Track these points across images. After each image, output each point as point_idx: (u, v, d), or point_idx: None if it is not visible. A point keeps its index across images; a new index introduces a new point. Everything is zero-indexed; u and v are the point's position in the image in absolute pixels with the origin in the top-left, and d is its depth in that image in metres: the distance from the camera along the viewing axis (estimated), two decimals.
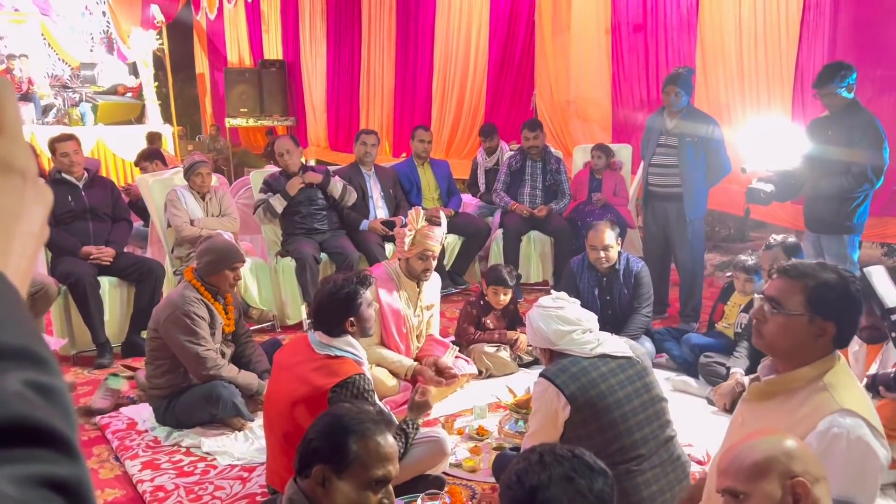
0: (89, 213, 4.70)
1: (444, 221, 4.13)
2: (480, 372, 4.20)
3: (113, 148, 10.67)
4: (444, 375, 3.80)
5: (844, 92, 4.01)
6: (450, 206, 6.05)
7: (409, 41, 9.53)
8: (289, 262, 5.15)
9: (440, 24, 8.95)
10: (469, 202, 6.74)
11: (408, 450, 2.72)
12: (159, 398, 3.54)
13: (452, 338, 4.45)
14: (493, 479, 2.96)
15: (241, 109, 11.95)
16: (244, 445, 3.38)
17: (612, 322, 4.29)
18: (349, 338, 2.80)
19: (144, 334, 4.39)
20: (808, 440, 1.65)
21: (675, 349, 4.29)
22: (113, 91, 12.04)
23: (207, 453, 3.32)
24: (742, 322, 4.04)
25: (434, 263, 3.97)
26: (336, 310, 2.78)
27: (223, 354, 3.60)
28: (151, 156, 6.65)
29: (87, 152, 9.13)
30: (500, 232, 5.92)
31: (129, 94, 12.06)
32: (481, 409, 3.63)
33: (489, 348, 4.26)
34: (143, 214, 5.98)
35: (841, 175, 4.03)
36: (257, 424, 3.48)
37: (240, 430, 3.49)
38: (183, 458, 3.31)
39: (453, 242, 5.93)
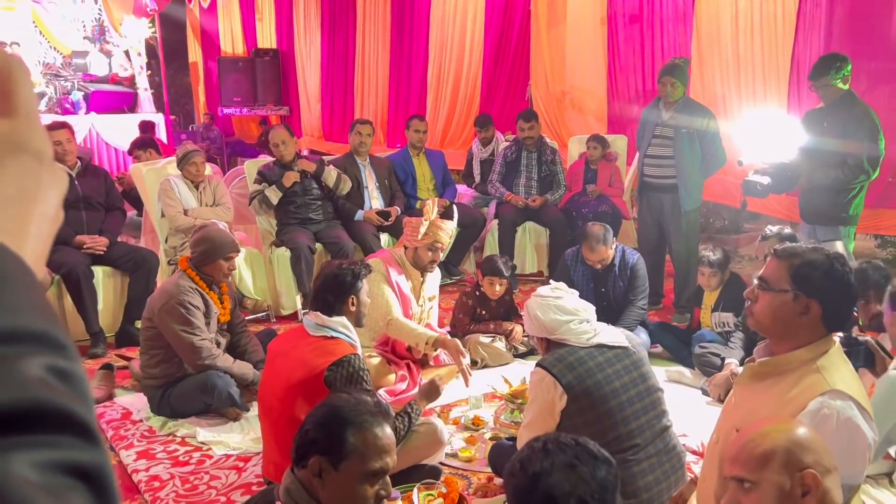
0: (82, 203, 4.67)
1: (455, 215, 4.15)
2: (476, 362, 4.21)
3: (105, 137, 10.60)
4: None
5: (840, 83, 4.01)
6: (445, 197, 6.04)
7: (404, 30, 9.49)
8: (284, 252, 5.13)
9: (435, 14, 8.90)
10: (464, 193, 6.73)
11: (408, 433, 2.75)
12: (154, 388, 3.53)
13: (447, 328, 4.45)
14: (489, 469, 2.97)
15: (235, 99, 11.88)
16: (239, 435, 3.37)
17: (607, 313, 4.29)
18: (345, 319, 2.83)
19: (138, 324, 4.38)
20: (798, 419, 1.66)
21: (670, 341, 4.32)
22: (105, 80, 11.96)
23: (203, 443, 3.32)
24: (726, 322, 4.07)
25: (441, 256, 3.97)
26: (339, 286, 2.84)
27: (218, 344, 3.59)
28: (145, 144, 6.61)
29: (80, 141, 9.07)
30: (495, 222, 5.91)
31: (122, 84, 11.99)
32: (477, 400, 3.63)
33: (484, 339, 4.26)
34: (137, 204, 5.95)
35: (836, 167, 4.04)
36: (252, 414, 3.47)
37: (235, 419, 3.49)
38: (178, 447, 3.30)
39: None
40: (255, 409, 3.49)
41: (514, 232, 5.81)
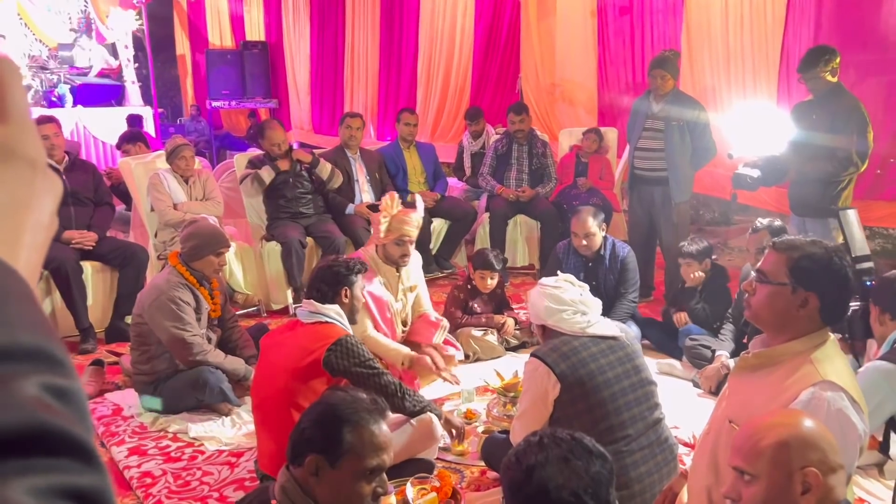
0: (70, 198, 4.63)
1: (420, 206, 4.04)
2: (468, 356, 4.21)
3: (93, 130, 10.51)
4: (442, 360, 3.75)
5: (829, 76, 4.02)
6: (436, 190, 6.03)
7: (394, 23, 9.45)
8: (274, 247, 5.11)
9: (425, 6, 8.87)
10: (455, 186, 6.72)
11: (422, 406, 2.83)
12: (145, 384, 3.51)
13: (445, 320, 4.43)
14: (481, 463, 2.98)
15: (223, 91, 11.80)
16: (232, 431, 3.37)
17: None
18: (338, 307, 2.86)
19: (128, 319, 4.36)
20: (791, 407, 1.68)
21: (656, 335, 4.34)
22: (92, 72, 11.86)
23: (195, 439, 3.31)
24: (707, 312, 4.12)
25: (412, 248, 3.89)
26: (334, 275, 2.88)
27: (209, 340, 3.58)
28: (134, 138, 6.56)
29: (67, 135, 8.99)
30: (486, 216, 5.91)
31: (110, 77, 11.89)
32: (469, 393, 3.64)
33: (476, 332, 4.26)
34: (126, 198, 5.91)
35: (826, 159, 4.05)
36: (244, 410, 3.47)
37: (227, 415, 3.48)
38: (170, 443, 3.29)
39: (439, 226, 5.91)
40: (247, 405, 3.48)
41: (505, 225, 5.81)
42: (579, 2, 7.18)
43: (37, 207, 0.47)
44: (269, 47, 12.15)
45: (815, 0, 5.12)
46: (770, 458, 1.41)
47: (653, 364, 4.03)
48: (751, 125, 4.42)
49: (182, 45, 14.31)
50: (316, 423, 1.60)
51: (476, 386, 3.73)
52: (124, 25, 11.88)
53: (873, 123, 4.07)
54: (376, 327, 3.85)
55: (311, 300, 2.87)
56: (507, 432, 2.79)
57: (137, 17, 12.15)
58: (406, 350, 3.69)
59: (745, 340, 3.73)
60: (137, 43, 12.33)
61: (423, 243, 5.71)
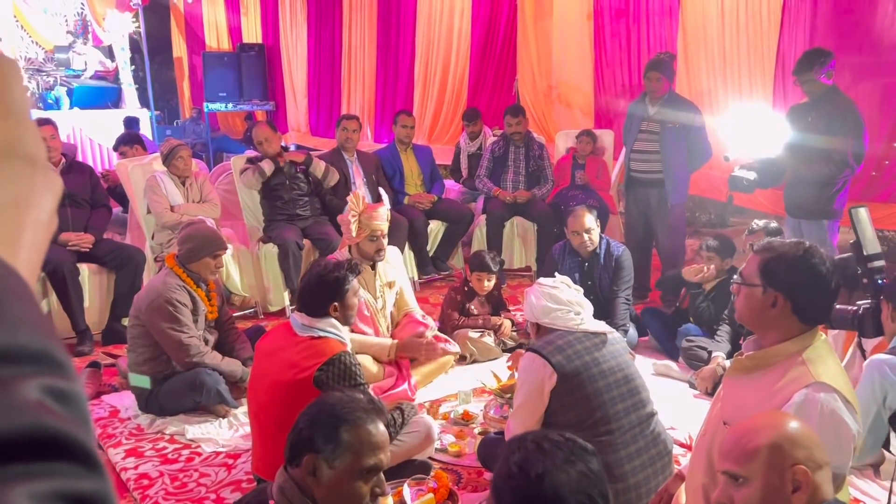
0: (67, 199, 4.62)
1: (385, 198, 4.10)
2: (465, 357, 4.22)
3: (89, 133, 10.50)
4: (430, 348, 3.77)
5: (824, 78, 4.04)
6: (433, 192, 6.04)
7: (391, 25, 9.46)
8: (271, 249, 5.11)
9: (422, 8, 8.88)
10: (452, 188, 6.73)
11: (402, 427, 2.80)
12: (142, 386, 3.51)
13: (437, 324, 4.44)
14: (478, 464, 2.98)
15: (220, 94, 11.80)
16: (229, 432, 3.37)
17: (595, 306, 4.27)
18: (332, 320, 2.80)
19: (125, 321, 4.34)
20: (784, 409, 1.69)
21: (657, 328, 4.34)
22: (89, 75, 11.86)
23: (192, 440, 3.31)
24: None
25: (385, 242, 3.91)
26: (322, 291, 2.79)
27: (206, 341, 3.58)
28: (131, 140, 6.57)
29: (63, 137, 8.99)
30: (483, 218, 5.92)
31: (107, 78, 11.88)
32: (466, 395, 3.64)
33: (473, 334, 4.27)
34: (123, 200, 5.91)
35: (821, 161, 4.07)
36: (241, 411, 3.47)
37: (224, 417, 3.48)
38: (167, 445, 3.29)
39: (436, 228, 5.92)
40: (244, 406, 3.48)
41: (502, 227, 5.82)
42: (576, 4, 7.20)
43: (37, 206, 0.47)
44: (266, 49, 12.16)
45: (811, 3, 5.14)
46: (760, 459, 1.42)
47: (649, 364, 4.06)
48: (747, 127, 4.44)
49: (179, 48, 14.31)
50: (313, 422, 1.60)
51: (473, 387, 3.74)
52: (121, 28, 11.89)
53: (868, 126, 4.09)
54: (354, 328, 3.85)
55: (303, 313, 2.80)
56: (503, 433, 2.80)
57: (134, 19, 12.15)
58: (389, 342, 3.74)
59: (741, 342, 3.74)
60: (134, 45, 12.33)
61: (420, 245, 5.73)
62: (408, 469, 2.79)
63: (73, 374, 0.42)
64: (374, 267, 3.93)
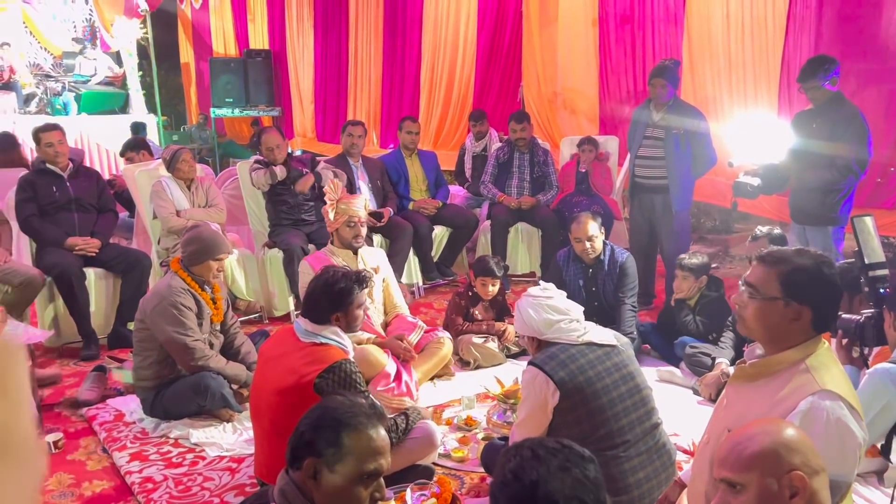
0: (74, 204, 4.67)
1: (364, 190, 4.22)
2: (468, 363, 4.22)
3: (96, 138, 10.56)
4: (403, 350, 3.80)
5: (828, 85, 4.04)
6: (438, 198, 6.06)
7: (397, 32, 9.49)
8: (276, 254, 5.13)
9: (428, 15, 8.91)
10: (457, 193, 6.75)
11: (406, 433, 2.81)
12: (147, 389, 3.53)
13: (437, 327, 4.44)
14: (481, 469, 2.98)
15: (227, 100, 11.85)
16: (233, 437, 3.38)
17: (599, 313, 4.32)
18: (335, 327, 2.82)
19: (131, 325, 4.37)
20: (788, 420, 1.68)
21: (657, 340, 4.36)
22: (96, 81, 11.93)
23: (196, 444, 3.32)
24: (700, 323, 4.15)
25: (364, 231, 4.07)
26: (326, 301, 2.81)
27: (211, 345, 3.59)
28: (137, 146, 6.60)
29: (71, 142, 9.04)
30: (487, 223, 5.93)
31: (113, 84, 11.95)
32: (469, 400, 3.65)
33: (477, 339, 4.27)
34: (129, 205, 5.94)
35: (825, 168, 4.07)
36: (245, 415, 3.47)
37: (228, 421, 3.49)
38: (171, 449, 3.30)
39: (441, 234, 5.94)
40: (248, 411, 3.49)
41: (506, 233, 5.83)
42: (581, 10, 7.22)
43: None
44: (273, 55, 12.21)
45: (816, 10, 5.14)
46: (756, 465, 1.42)
47: (653, 371, 4.05)
48: (751, 134, 4.44)
49: (186, 54, 14.38)
50: (315, 426, 1.61)
51: (476, 393, 3.75)
52: (129, 34, 11.95)
53: (873, 132, 4.08)
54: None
55: (308, 319, 2.81)
56: (506, 439, 2.81)
57: (142, 25, 12.23)
58: (366, 336, 3.81)
59: (745, 348, 3.74)
60: (141, 51, 12.40)
61: (424, 250, 5.74)
62: (411, 474, 2.80)
63: None
64: (355, 252, 4.07)
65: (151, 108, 12.11)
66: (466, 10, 8.42)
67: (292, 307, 5.09)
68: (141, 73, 12.18)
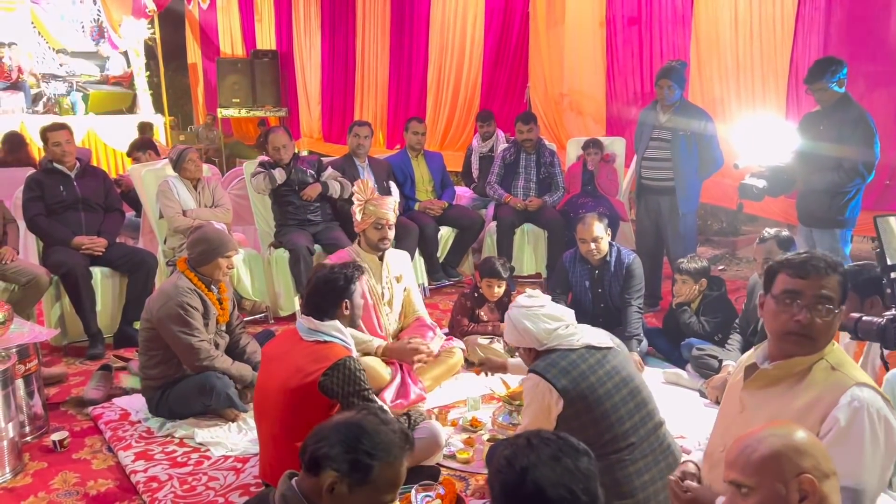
0: (81, 204, 4.68)
1: (395, 190, 4.14)
2: (473, 364, 4.21)
3: (104, 138, 10.60)
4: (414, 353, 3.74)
5: (836, 87, 4.02)
6: (443, 199, 6.05)
7: (405, 32, 9.50)
8: (282, 254, 5.14)
9: (435, 16, 8.92)
10: (463, 194, 6.74)
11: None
12: (152, 389, 3.53)
13: (446, 330, 4.44)
14: (486, 471, 2.97)
15: (234, 100, 11.89)
16: (238, 436, 3.38)
17: (605, 314, 4.31)
18: (338, 323, 2.83)
19: (137, 325, 4.38)
20: (834, 415, 1.70)
21: (663, 344, 4.35)
22: (104, 80, 11.97)
23: (201, 444, 3.32)
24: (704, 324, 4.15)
25: (391, 233, 3.99)
26: (332, 290, 2.84)
27: (217, 345, 3.59)
28: (144, 146, 6.62)
29: (78, 142, 9.08)
30: (493, 224, 5.92)
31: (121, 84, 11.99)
32: (475, 401, 3.64)
33: (483, 340, 4.26)
34: (135, 205, 5.96)
35: (832, 170, 4.05)
36: (251, 415, 3.47)
37: (233, 421, 3.49)
38: (176, 448, 3.31)
39: (447, 235, 5.93)
40: (253, 411, 3.50)
41: (512, 234, 5.82)
42: (588, 12, 7.21)
43: None
44: (280, 56, 12.24)
45: (825, 11, 5.12)
46: (766, 468, 1.42)
47: (659, 373, 4.04)
48: (758, 136, 4.42)
49: (193, 54, 14.43)
50: (347, 444, 1.56)
51: (482, 394, 3.74)
52: (136, 34, 12.01)
53: (882, 134, 4.06)
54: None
55: (310, 317, 2.81)
56: None
57: (149, 25, 12.28)
58: (377, 342, 3.76)
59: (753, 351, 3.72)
60: (149, 51, 12.45)
61: (430, 251, 5.74)
62: (416, 474, 2.78)
63: None
64: (381, 258, 3.98)
65: (158, 108, 12.15)
66: (474, 11, 8.42)
67: (298, 307, 5.09)
68: (148, 73, 12.22)
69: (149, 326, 3.49)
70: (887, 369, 2.55)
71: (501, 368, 3.47)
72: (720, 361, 3.80)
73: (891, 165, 4.67)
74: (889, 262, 2.36)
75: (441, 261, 5.87)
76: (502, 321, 4.41)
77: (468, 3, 8.45)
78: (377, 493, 1.58)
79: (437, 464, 3.02)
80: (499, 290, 4.37)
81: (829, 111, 4.09)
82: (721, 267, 6.38)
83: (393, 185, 4.23)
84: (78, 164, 4.74)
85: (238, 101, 11.90)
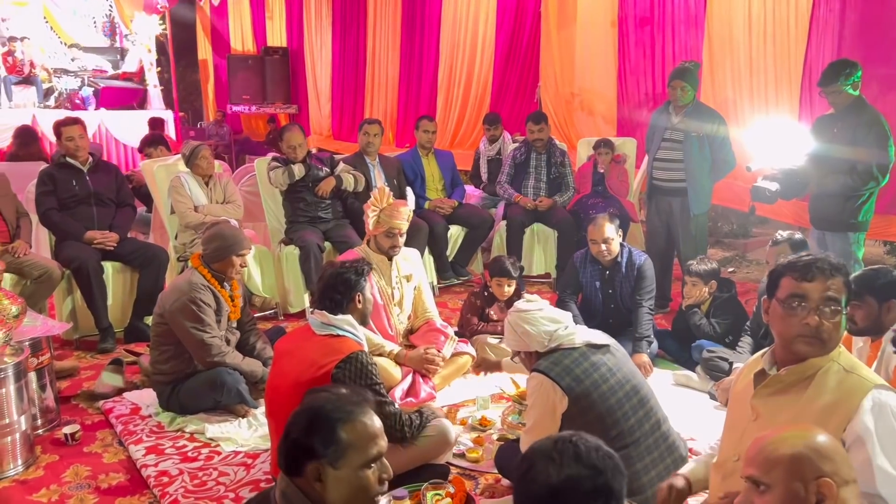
0: (93, 198, 4.70)
1: (411, 199, 4.13)
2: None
3: (115, 133, 10.64)
4: (427, 364, 3.75)
5: (850, 89, 4.00)
6: (453, 197, 6.05)
7: (416, 31, 9.50)
8: (292, 251, 5.15)
9: (447, 15, 8.91)
10: (472, 193, 6.74)
11: (420, 430, 2.80)
12: (163, 384, 3.55)
13: (455, 329, 4.43)
14: (495, 470, 2.98)
15: (244, 96, 11.91)
16: (248, 432, 3.38)
17: (615, 315, 4.31)
18: (350, 318, 2.85)
19: (147, 320, 4.41)
20: (862, 421, 1.70)
21: (672, 345, 4.34)
22: (115, 76, 12.02)
23: (211, 439, 3.33)
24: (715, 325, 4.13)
25: (402, 240, 4.00)
26: (344, 284, 2.87)
27: (228, 341, 3.60)
28: (155, 141, 6.65)
29: (89, 137, 9.11)
30: (503, 224, 5.92)
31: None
32: (484, 400, 3.64)
33: (492, 339, 4.26)
34: (147, 200, 5.99)
35: (846, 173, 4.03)
36: (261, 412, 3.49)
37: (243, 416, 3.50)
38: (187, 443, 3.32)
39: (456, 233, 5.93)
40: (263, 407, 3.51)
41: (522, 233, 5.82)
42: (600, 11, 7.19)
43: None
44: (291, 53, 12.26)
45: (839, 13, 5.09)
46: (785, 467, 1.42)
47: (669, 375, 4.03)
48: (771, 138, 4.40)
49: (204, 50, 14.46)
50: (308, 430, 1.58)
51: (491, 393, 3.74)
52: (148, 29, 12.04)
53: (895, 137, 4.04)
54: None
55: (323, 311, 2.83)
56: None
57: (161, 21, 12.32)
58: (390, 346, 3.77)
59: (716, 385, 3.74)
60: (160, 47, 12.49)
61: (439, 250, 5.74)
62: (425, 472, 2.79)
63: None
64: (390, 258, 3.99)
65: (169, 103, 12.19)
66: (485, 9, 8.41)
67: (307, 304, 5.10)
68: (159, 68, 12.26)
69: (161, 321, 3.51)
70: None
71: (496, 367, 3.54)
72: (731, 364, 3.79)
73: None
74: None
75: (450, 259, 5.87)
76: None
77: (480, 2, 8.44)
78: (360, 453, 1.58)
79: (447, 462, 3.02)
80: (509, 290, 4.37)
81: (843, 114, 4.07)
82: (731, 269, 6.35)
83: (410, 192, 4.22)
84: (91, 158, 4.76)
85: (248, 97, 11.92)
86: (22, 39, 10.77)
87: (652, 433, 2.54)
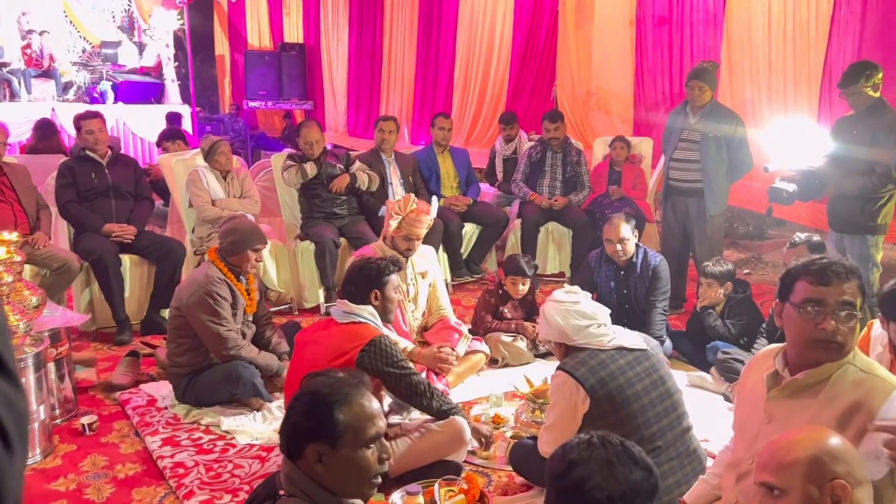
0: (112, 191, 4.74)
1: (434, 207, 4.15)
2: (496, 361, 4.22)
3: (132, 127, 10.71)
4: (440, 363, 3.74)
5: (870, 91, 3.98)
6: (468, 195, 6.06)
7: (432, 28, 9.51)
8: (308, 246, 5.17)
9: (464, 12, 8.91)
10: (487, 191, 6.74)
11: (445, 405, 2.86)
12: (180, 376, 3.58)
13: (469, 326, 4.44)
14: (509, 468, 2.98)
15: (260, 92, 11.96)
16: (263, 425, 3.41)
17: (629, 316, 4.30)
18: (371, 308, 2.92)
19: (164, 313, 4.44)
20: (894, 406, 1.69)
21: (686, 346, 4.33)
22: (133, 70, 12.10)
23: (227, 432, 3.36)
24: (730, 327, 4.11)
25: (419, 244, 4.04)
26: (364, 278, 2.95)
27: (244, 335, 3.63)
28: (173, 136, 6.69)
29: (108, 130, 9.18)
30: (518, 222, 5.92)
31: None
32: (498, 398, 3.65)
33: (506, 337, 4.27)
34: (164, 194, 6.02)
35: (865, 174, 4.00)
36: (275, 405, 3.52)
37: (258, 410, 3.52)
38: (202, 435, 3.34)
39: (471, 231, 5.94)
40: (278, 401, 3.53)
41: (536, 232, 5.81)
42: (618, 10, 7.17)
43: None
44: (307, 49, 12.30)
45: (860, 15, 5.05)
46: (799, 470, 1.41)
47: (683, 376, 4.02)
48: (789, 139, 4.38)
49: (221, 46, 14.53)
50: (306, 413, 1.63)
51: (505, 391, 3.74)
52: (166, 24, 12.11)
53: None
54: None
55: (345, 300, 2.94)
56: (535, 438, 2.80)
57: (179, 16, 12.38)
58: (404, 343, 3.75)
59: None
60: (178, 42, 12.56)
61: (454, 247, 5.75)
62: (439, 469, 2.80)
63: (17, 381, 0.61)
64: (406, 256, 4.02)
65: (186, 98, 12.26)
66: (503, 8, 8.40)
67: (322, 299, 5.13)
68: (176, 63, 12.33)
69: (178, 314, 3.54)
70: None
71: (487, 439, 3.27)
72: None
73: None
74: None
75: (464, 257, 5.88)
76: (526, 319, 4.43)
77: (497, 1, 8.44)
78: (359, 434, 1.62)
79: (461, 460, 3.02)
80: (523, 288, 4.37)
81: (863, 115, 4.04)
82: (746, 270, 6.32)
83: (434, 200, 4.24)
84: (110, 152, 4.80)
85: (265, 93, 11.97)
86: (41, 33, 10.86)
87: (675, 441, 2.51)
